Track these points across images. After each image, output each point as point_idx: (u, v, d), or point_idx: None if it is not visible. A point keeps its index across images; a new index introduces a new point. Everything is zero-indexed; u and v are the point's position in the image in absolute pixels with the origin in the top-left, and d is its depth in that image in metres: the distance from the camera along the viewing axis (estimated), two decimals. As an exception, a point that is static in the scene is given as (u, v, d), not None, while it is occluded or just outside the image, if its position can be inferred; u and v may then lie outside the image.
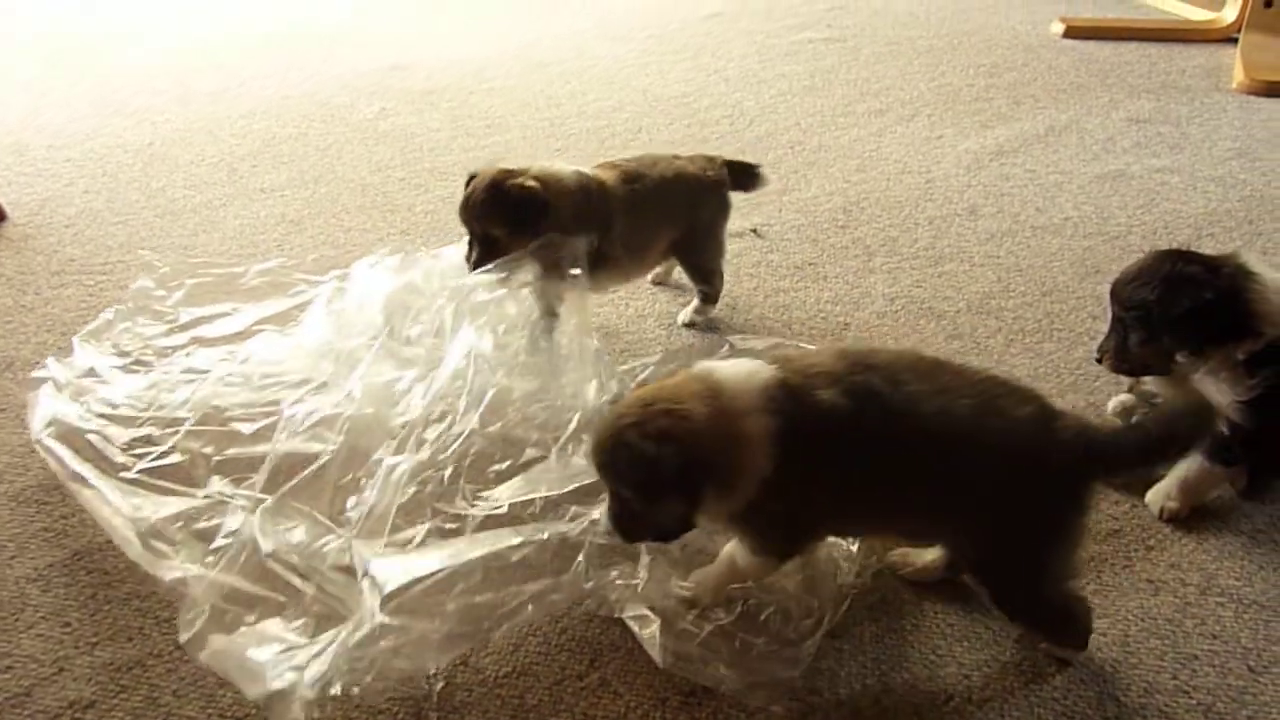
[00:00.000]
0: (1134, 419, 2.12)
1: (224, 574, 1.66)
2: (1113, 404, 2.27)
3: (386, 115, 3.74)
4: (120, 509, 1.78)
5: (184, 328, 2.28)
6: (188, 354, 2.20)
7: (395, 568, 1.62)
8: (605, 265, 2.30)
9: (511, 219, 2.14)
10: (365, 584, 1.62)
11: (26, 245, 2.84)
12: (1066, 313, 2.64)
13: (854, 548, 1.83)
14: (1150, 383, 2.02)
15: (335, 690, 1.52)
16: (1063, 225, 3.07)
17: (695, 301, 2.57)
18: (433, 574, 1.62)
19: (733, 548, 1.71)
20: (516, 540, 1.66)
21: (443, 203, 3.08)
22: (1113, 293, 1.99)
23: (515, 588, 1.63)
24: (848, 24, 4.81)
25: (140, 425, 1.99)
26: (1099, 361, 2.03)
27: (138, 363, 2.18)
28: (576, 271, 2.12)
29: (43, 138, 3.50)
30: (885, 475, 1.56)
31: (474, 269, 2.15)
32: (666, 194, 2.36)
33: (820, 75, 4.19)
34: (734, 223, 2.99)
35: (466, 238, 2.21)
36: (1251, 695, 1.68)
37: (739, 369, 1.60)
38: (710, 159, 2.48)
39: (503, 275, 2.13)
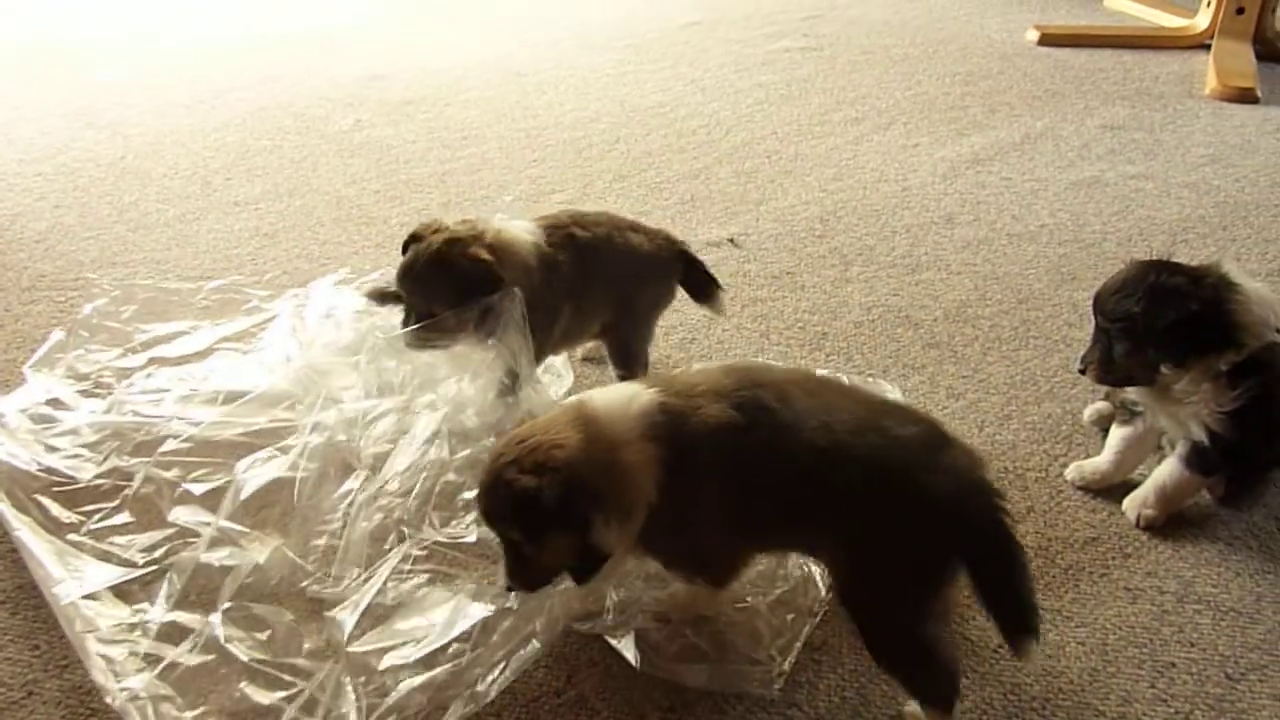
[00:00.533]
0: (1111, 426, 2.13)
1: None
2: (1089, 412, 2.28)
3: (363, 127, 3.72)
4: (54, 578, 1.72)
5: (142, 347, 2.24)
6: (148, 375, 2.16)
7: (381, 656, 1.60)
8: (542, 350, 2.06)
9: (459, 297, 1.88)
10: (348, 680, 1.58)
11: (-3, 261, 2.81)
12: (1043, 320, 2.65)
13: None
14: (1132, 392, 2.03)
15: None
16: (1039, 232, 3.08)
17: None
18: (418, 658, 1.60)
19: None
20: (493, 609, 1.63)
21: (418, 215, 3.05)
22: (1096, 304, 1.99)
23: (497, 640, 1.62)
24: (824, 33, 4.82)
25: (104, 457, 1.96)
26: (1083, 373, 2.03)
27: (97, 386, 2.14)
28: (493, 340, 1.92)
29: (14, 151, 3.46)
30: (773, 489, 1.54)
31: (410, 342, 1.94)
32: (612, 268, 2.10)
33: (797, 84, 4.20)
34: (711, 232, 3.01)
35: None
36: (1229, 703, 1.68)
37: (615, 396, 1.59)
38: (669, 239, 2.21)
39: (441, 346, 1.97)
